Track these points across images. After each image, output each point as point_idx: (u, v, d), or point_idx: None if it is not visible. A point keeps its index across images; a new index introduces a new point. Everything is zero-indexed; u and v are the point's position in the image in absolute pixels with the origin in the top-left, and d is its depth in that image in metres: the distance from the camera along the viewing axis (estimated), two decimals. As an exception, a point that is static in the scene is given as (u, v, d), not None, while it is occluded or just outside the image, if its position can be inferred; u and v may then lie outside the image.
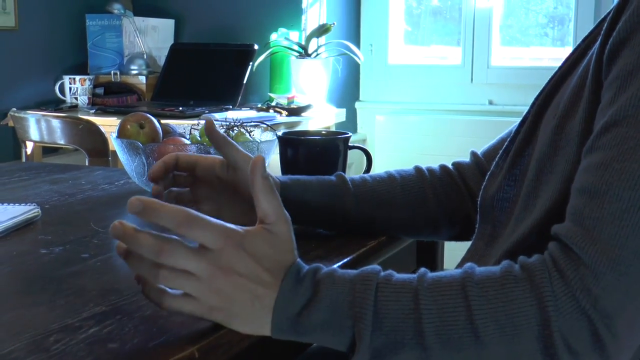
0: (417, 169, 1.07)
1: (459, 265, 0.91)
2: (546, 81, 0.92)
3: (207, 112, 2.61)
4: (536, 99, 0.91)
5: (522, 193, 0.86)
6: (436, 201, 1.05)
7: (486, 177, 0.95)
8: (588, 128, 0.76)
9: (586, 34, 0.92)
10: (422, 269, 0.74)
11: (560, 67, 0.91)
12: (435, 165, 1.09)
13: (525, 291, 0.68)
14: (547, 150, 0.82)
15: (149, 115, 1.30)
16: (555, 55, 3.32)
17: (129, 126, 1.27)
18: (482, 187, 0.95)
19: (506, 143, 0.93)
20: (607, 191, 0.69)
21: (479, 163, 1.07)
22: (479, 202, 0.95)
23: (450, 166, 1.09)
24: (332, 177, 1.04)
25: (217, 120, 2.58)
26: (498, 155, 0.94)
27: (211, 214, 0.97)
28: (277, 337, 0.72)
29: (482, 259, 0.89)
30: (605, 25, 0.78)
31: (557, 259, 0.69)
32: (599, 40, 0.78)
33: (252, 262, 0.71)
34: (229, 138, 0.95)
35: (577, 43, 0.93)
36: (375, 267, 0.74)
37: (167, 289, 0.71)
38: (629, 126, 0.70)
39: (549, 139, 0.82)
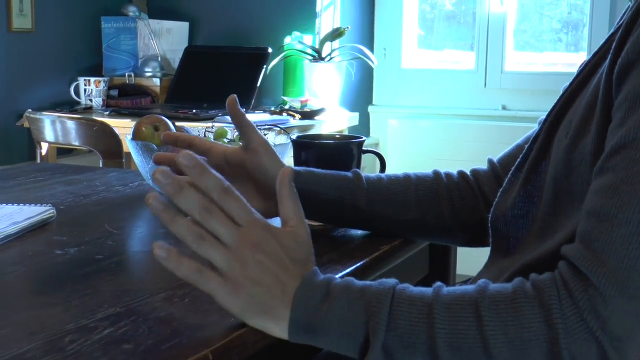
0: (435, 172, 1.08)
1: (475, 281, 0.92)
2: (560, 91, 0.92)
3: (220, 114, 2.62)
4: (548, 115, 0.91)
5: (540, 211, 0.86)
6: (450, 205, 1.05)
7: (498, 194, 0.95)
8: (600, 147, 0.76)
9: (601, 39, 0.92)
10: (438, 283, 0.74)
11: (571, 83, 0.91)
12: (453, 170, 1.10)
13: (535, 307, 0.69)
14: (562, 169, 0.82)
15: (163, 117, 1.30)
16: (569, 61, 3.31)
17: (144, 128, 1.27)
18: (494, 203, 0.95)
19: (519, 159, 0.94)
20: (617, 214, 0.69)
21: (495, 170, 1.07)
22: (490, 218, 0.95)
23: (468, 172, 1.09)
24: (348, 173, 1.05)
25: (231, 123, 2.58)
26: (510, 172, 0.94)
27: None
28: (293, 329, 0.72)
29: (497, 272, 0.90)
30: (614, 44, 0.78)
31: (566, 279, 0.70)
32: (609, 58, 0.78)
33: (278, 247, 0.73)
34: (249, 120, 0.98)
35: (590, 51, 0.93)
36: (392, 279, 0.75)
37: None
38: (638, 149, 0.70)
39: (563, 159, 0.82)
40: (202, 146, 1.02)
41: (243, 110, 1.02)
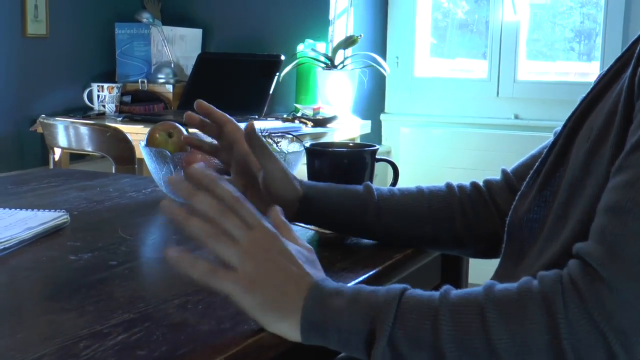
0: (448, 185, 1.08)
1: None
2: (578, 100, 0.92)
3: (233, 121, 2.62)
4: (568, 120, 0.91)
5: (551, 215, 0.86)
6: (463, 217, 1.05)
7: (516, 197, 0.95)
8: (619, 152, 0.76)
9: (614, 48, 0.92)
10: (447, 286, 0.74)
11: (592, 88, 0.90)
12: (466, 181, 1.09)
13: (537, 302, 0.69)
14: (579, 174, 0.82)
15: (177, 124, 1.31)
16: (582, 70, 3.30)
17: (157, 135, 1.28)
18: (512, 207, 0.95)
19: (537, 164, 0.93)
20: (632, 208, 0.69)
21: (508, 181, 1.07)
22: (507, 222, 0.95)
23: (481, 183, 1.09)
24: (359, 186, 1.06)
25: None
26: (529, 176, 0.94)
27: (238, 185, 1.01)
28: (304, 329, 0.73)
29: (509, 279, 0.89)
30: (638, 50, 0.78)
31: (573, 274, 0.69)
32: (632, 64, 0.78)
33: (288, 250, 0.76)
34: (265, 144, 0.99)
35: (603, 60, 0.94)
36: (402, 284, 0.76)
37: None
38: None
39: (581, 163, 0.82)
40: (230, 134, 1.04)
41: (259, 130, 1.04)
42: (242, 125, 1.01)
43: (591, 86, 0.91)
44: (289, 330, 0.73)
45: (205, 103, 1.06)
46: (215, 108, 1.06)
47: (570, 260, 0.72)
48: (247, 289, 0.72)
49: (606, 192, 0.73)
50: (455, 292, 0.73)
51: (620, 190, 0.71)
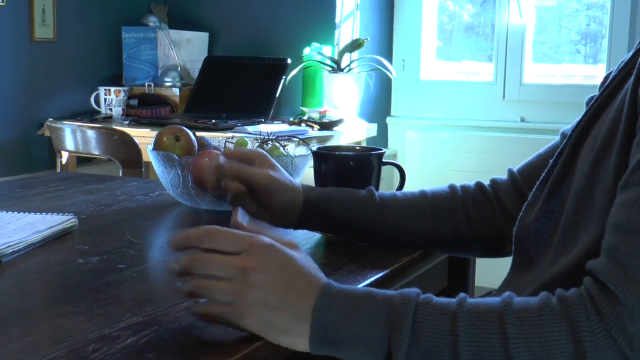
0: (451, 186, 1.08)
1: (496, 294, 0.92)
2: (584, 105, 0.92)
3: (239, 125, 2.63)
4: (573, 130, 0.91)
5: (560, 225, 0.86)
6: (466, 217, 1.06)
7: (523, 208, 0.95)
8: (624, 161, 0.76)
9: (620, 51, 0.93)
10: (462, 294, 0.74)
11: (596, 98, 0.91)
12: (471, 182, 1.10)
13: (562, 324, 0.69)
14: (585, 184, 0.82)
15: (184, 128, 1.31)
16: (588, 73, 3.30)
17: (165, 138, 1.28)
18: (519, 217, 0.95)
19: (544, 173, 0.94)
20: None
21: (514, 180, 1.07)
22: (514, 232, 0.95)
23: (486, 183, 1.09)
24: (362, 190, 1.06)
25: (250, 133, 2.59)
26: (535, 186, 0.94)
27: (241, 201, 1.01)
28: (314, 346, 0.72)
29: (518, 288, 0.89)
30: None
31: (593, 296, 0.70)
32: (634, 73, 0.78)
33: (285, 261, 0.74)
34: (241, 166, 1.00)
35: (609, 63, 0.94)
36: (414, 289, 0.75)
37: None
38: None
39: (587, 173, 0.82)
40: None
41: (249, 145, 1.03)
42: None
43: (596, 95, 0.92)
44: (299, 346, 0.73)
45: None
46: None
47: (586, 279, 0.72)
48: (240, 317, 0.72)
49: (615, 207, 0.74)
50: (471, 303, 0.72)
51: (629, 208, 0.71)
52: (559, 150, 0.93)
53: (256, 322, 0.72)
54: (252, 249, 0.74)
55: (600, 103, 0.89)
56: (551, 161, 0.93)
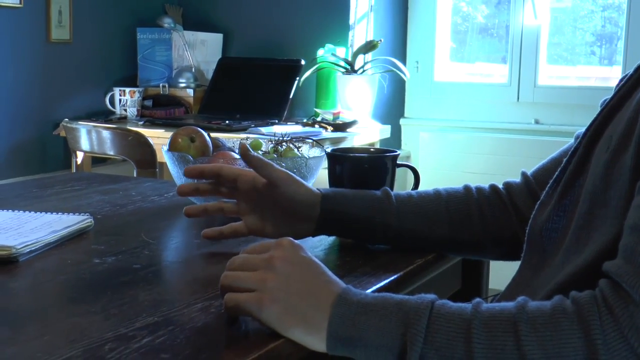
0: (466, 188, 1.08)
1: (505, 292, 0.91)
2: (598, 106, 0.92)
3: (253, 126, 2.64)
4: (587, 129, 0.91)
5: (573, 225, 0.86)
6: (481, 220, 1.05)
7: (536, 206, 0.95)
8: (639, 162, 0.76)
9: (636, 52, 0.92)
10: (478, 299, 0.74)
11: (611, 98, 0.90)
12: (485, 184, 1.09)
13: (574, 324, 0.69)
14: (599, 184, 0.82)
15: (199, 129, 1.32)
16: (603, 75, 3.28)
17: (180, 139, 1.29)
18: (532, 216, 0.95)
19: (557, 172, 0.93)
20: None
21: (528, 183, 1.07)
22: (527, 231, 0.95)
23: (500, 186, 1.09)
24: (377, 191, 1.06)
25: (264, 135, 2.60)
26: (548, 185, 0.94)
27: (255, 225, 1.02)
28: (330, 339, 0.73)
29: (528, 288, 0.89)
30: None
31: (607, 296, 0.69)
32: None
33: (307, 257, 0.79)
34: (263, 158, 1.00)
35: (625, 65, 0.93)
36: (431, 294, 0.75)
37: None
38: None
39: (601, 173, 0.82)
40: (230, 175, 1.02)
41: (259, 152, 1.04)
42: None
43: (611, 95, 0.91)
44: (314, 343, 0.74)
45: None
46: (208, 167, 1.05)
47: (601, 280, 0.72)
48: (266, 304, 0.75)
49: (633, 208, 0.73)
50: (486, 306, 0.73)
51: None
52: (572, 149, 0.93)
53: (276, 309, 0.74)
54: (279, 243, 0.79)
55: (615, 103, 0.89)
56: (565, 160, 0.93)
